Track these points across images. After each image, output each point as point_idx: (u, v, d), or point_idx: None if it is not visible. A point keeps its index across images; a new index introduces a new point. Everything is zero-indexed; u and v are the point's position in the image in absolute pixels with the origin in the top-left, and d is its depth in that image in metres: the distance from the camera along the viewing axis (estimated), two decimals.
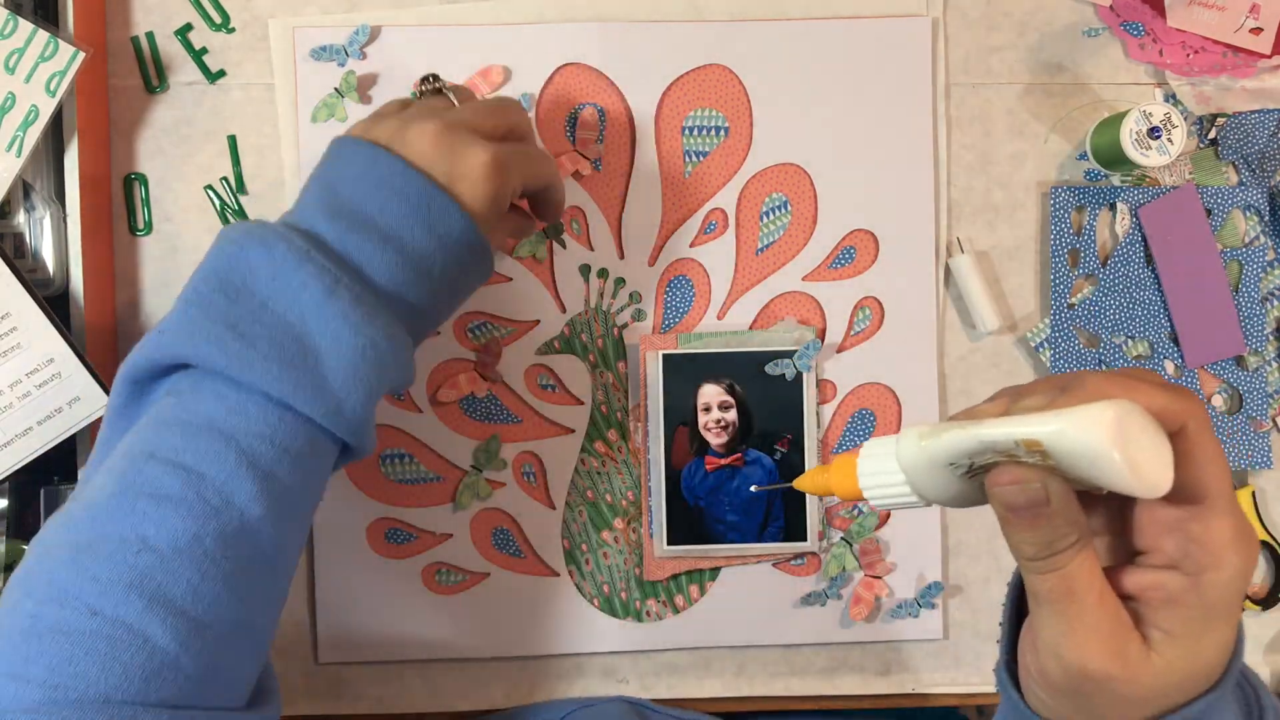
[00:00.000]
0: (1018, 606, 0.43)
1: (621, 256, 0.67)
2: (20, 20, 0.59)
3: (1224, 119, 0.68)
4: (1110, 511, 0.40)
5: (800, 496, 0.66)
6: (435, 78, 0.56)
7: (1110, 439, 0.32)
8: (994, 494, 0.36)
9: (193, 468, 0.43)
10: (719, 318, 0.67)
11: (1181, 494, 0.35)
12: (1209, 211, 0.68)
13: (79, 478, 0.47)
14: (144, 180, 0.66)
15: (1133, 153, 0.63)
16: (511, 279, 0.67)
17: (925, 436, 0.37)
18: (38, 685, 0.39)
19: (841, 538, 0.68)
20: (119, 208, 0.66)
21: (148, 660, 0.40)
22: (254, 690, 0.46)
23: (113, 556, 0.41)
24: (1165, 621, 0.36)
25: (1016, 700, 0.41)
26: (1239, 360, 0.69)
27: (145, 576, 0.41)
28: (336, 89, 0.65)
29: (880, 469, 0.39)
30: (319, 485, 0.49)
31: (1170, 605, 0.36)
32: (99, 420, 0.60)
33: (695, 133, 0.67)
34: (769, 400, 0.66)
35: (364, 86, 0.66)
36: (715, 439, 0.66)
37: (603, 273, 0.67)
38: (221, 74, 0.66)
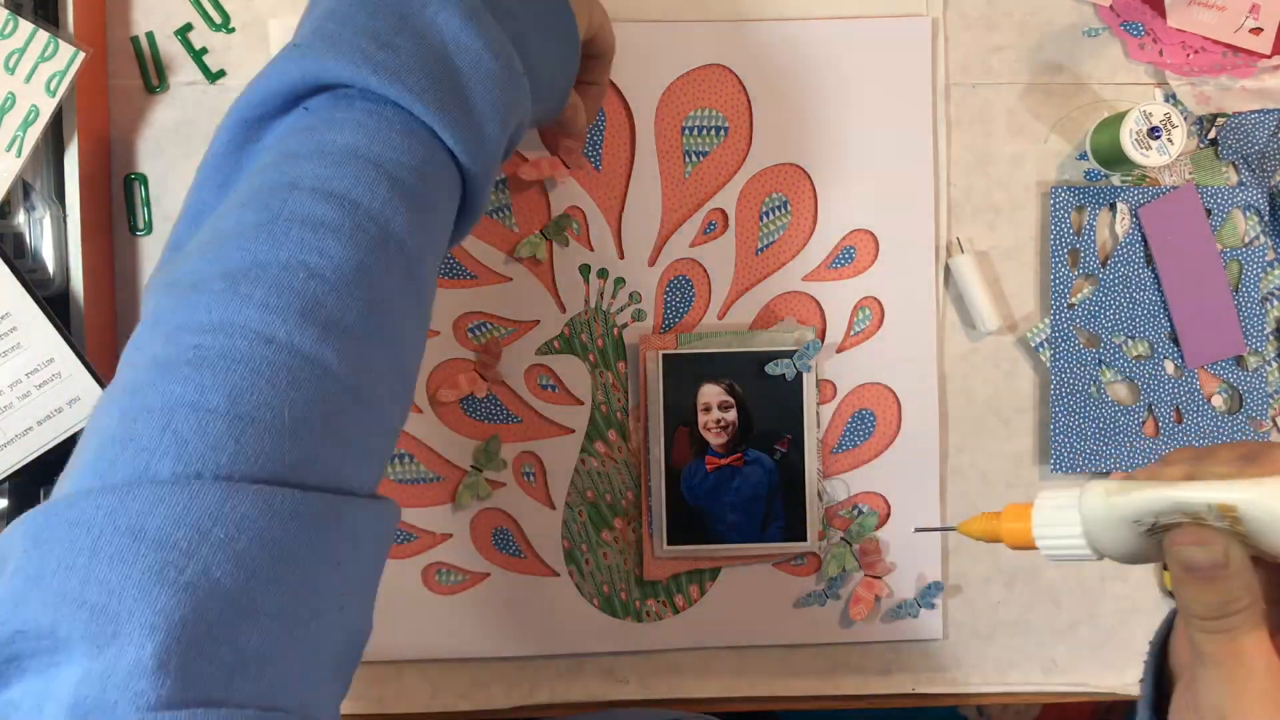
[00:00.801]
0: (1159, 665, 0.44)
1: (621, 256, 0.67)
2: (20, 20, 0.59)
3: (1224, 119, 0.68)
4: None
5: (800, 495, 0.66)
6: None
7: None
8: (1173, 553, 0.37)
9: (345, 195, 0.40)
10: (719, 318, 0.67)
11: None
12: (1209, 211, 0.68)
13: (167, 240, 0.45)
14: (144, 180, 0.66)
15: (1133, 153, 0.63)
16: (511, 279, 0.67)
17: (1113, 493, 0.38)
18: (221, 416, 0.35)
19: (841, 538, 0.68)
20: (119, 208, 0.66)
21: (328, 390, 0.38)
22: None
23: (278, 282, 0.38)
24: None
25: None
26: (1239, 360, 0.69)
27: (316, 304, 0.38)
28: None
29: (1057, 520, 0.41)
30: (446, 233, 0.46)
31: None
32: None
33: (695, 133, 0.67)
34: (769, 400, 0.66)
35: None
36: (715, 439, 0.66)
37: (603, 273, 0.67)
38: (221, 74, 0.66)
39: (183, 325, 0.37)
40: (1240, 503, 0.35)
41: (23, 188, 0.62)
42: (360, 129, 0.42)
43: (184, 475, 0.34)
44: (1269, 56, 0.68)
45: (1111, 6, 0.68)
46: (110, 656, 0.30)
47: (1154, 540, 0.39)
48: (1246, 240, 0.69)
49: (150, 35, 0.66)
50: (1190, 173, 0.69)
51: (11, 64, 0.59)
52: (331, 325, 0.38)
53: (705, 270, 0.67)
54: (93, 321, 0.62)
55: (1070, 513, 0.40)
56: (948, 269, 0.68)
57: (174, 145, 0.66)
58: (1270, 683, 0.36)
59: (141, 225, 0.66)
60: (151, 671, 0.30)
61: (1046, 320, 0.68)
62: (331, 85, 0.43)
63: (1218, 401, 0.69)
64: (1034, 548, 0.42)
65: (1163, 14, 0.68)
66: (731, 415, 0.66)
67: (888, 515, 0.68)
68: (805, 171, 0.67)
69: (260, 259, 0.38)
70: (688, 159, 0.67)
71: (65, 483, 0.36)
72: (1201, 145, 0.69)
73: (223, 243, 0.40)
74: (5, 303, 0.58)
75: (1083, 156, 0.69)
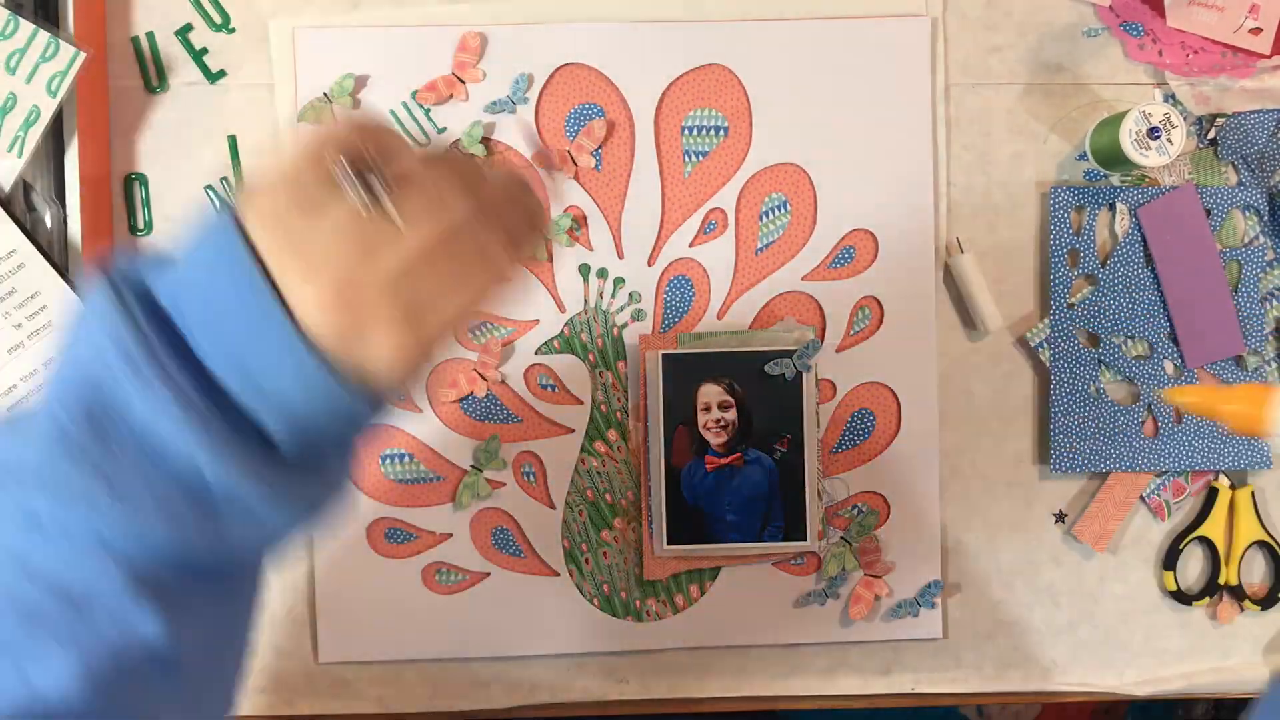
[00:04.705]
0: None
1: (621, 256, 0.67)
2: (21, 21, 0.59)
3: (1223, 119, 0.68)
4: None
5: (800, 495, 0.66)
6: (361, 166, 0.35)
7: None
8: None
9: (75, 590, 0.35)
10: (719, 317, 0.67)
11: None
12: (1208, 211, 0.68)
13: None
14: (144, 180, 0.66)
15: (1132, 153, 0.63)
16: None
17: None
18: None
19: (841, 537, 0.68)
20: (119, 208, 0.66)
21: None
22: None
23: None
24: None
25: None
26: (1238, 360, 0.69)
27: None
28: (326, 94, 0.65)
29: None
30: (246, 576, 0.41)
31: None
32: None
33: (695, 132, 0.67)
34: (769, 400, 0.66)
35: (360, 90, 0.66)
36: (715, 438, 0.66)
37: (603, 272, 0.67)
38: (221, 74, 0.66)
39: None
40: None
41: (23, 188, 0.62)
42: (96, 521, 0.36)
43: None
44: (1268, 56, 0.68)
45: (1111, 6, 0.68)
46: None
47: None
48: (1246, 240, 0.69)
49: (150, 35, 0.66)
50: (1190, 173, 0.69)
51: (12, 64, 0.59)
52: None
53: (705, 270, 0.67)
54: None
55: None
56: (948, 269, 0.68)
57: (174, 145, 0.66)
58: None
59: (141, 225, 0.66)
60: None
61: (1046, 320, 0.68)
62: None
63: None
64: (1260, 434, 0.38)
65: (1162, 14, 0.68)
66: (731, 415, 0.66)
67: (888, 515, 0.68)
68: (805, 171, 0.67)
69: None
70: (688, 159, 0.67)
71: None
72: (1201, 145, 0.69)
73: None
74: (35, 282, 0.59)
75: (1082, 156, 0.69)
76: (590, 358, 0.67)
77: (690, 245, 0.67)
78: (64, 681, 0.34)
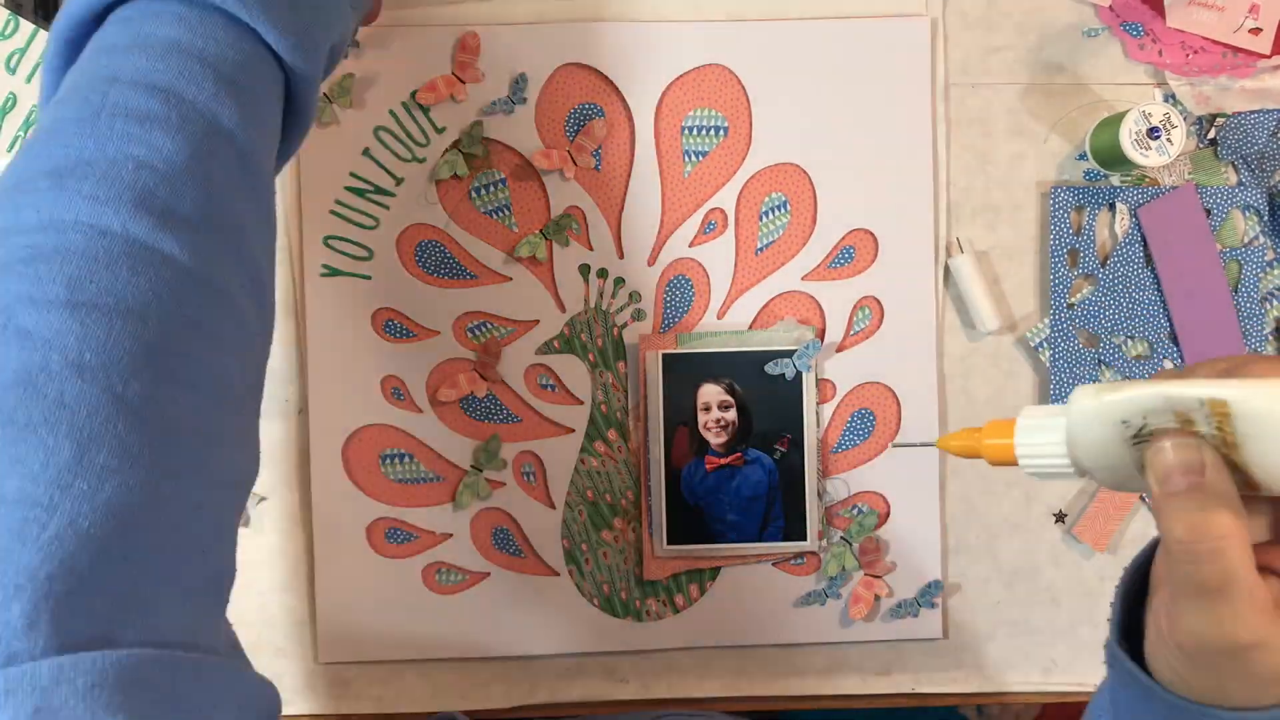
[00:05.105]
0: (1134, 585, 0.44)
1: (621, 256, 0.67)
2: (21, 20, 0.59)
3: (1223, 119, 0.68)
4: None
5: (800, 495, 0.66)
6: None
7: None
8: (1150, 460, 0.37)
9: (169, 88, 0.39)
10: (719, 317, 0.67)
11: None
12: (1208, 211, 0.68)
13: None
14: None
15: (1132, 153, 0.64)
16: (511, 279, 0.67)
17: (1106, 391, 0.38)
18: (62, 305, 0.34)
19: (841, 537, 0.68)
20: None
21: (171, 277, 0.37)
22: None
23: (106, 175, 0.37)
24: None
25: (1137, 673, 0.40)
26: None
27: (149, 194, 0.37)
28: (325, 94, 0.65)
29: (1041, 432, 0.40)
30: (276, 135, 0.45)
31: None
32: None
33: (695, 132, 0.67)
34: (769, 400, 0.66)
35: (359, 89, 0.66)
36: (715, 439, 0.66)
37: (602, 272, 0.67)
38: None
39: (10, 228, 0.36)
40: (1233, 399, 0.35)
41: None
42: (181, 23, 0.41)
43: (30, 375, 0.33)
44: (1268, 56, 0.68)
45: (1111, 6, 0.68)
46: None
47: (1137, 454, 0.38)
48: (1246, 240, 0.69)
49: None
50: (1190, 173, 0.69)
51: (12, 64, 0.59)
52: (167, 215, 0.37)
53: (705, 270, 0.67)
54: None
55: (1056, 421, 0.39)
56: (947, 269, 0.68)
57: None
58: (1254, 604, 0.35)
59: None
60: (21, 631, 0.30)
61: (1046, 320, 0.68)
62: None
63: None
64: (1014, 463, 0.41)
65: (1162, 14, 0.68)
66: (731, 415, 0.66)
67: (887, 515, 0.68)
68: (805, 171, 0.67)
69: (85, 154, 0.37)
70: (687, 158, 0.67)
71: None
72: (1201, 145, 0.69)
73: (43, 142, 0.38)
74: None
75: (1082, 156, 0.69)
76: (590, 358, 0.67)
77: (690, 245, 0.67)
78: (166, 152, 0.38)
